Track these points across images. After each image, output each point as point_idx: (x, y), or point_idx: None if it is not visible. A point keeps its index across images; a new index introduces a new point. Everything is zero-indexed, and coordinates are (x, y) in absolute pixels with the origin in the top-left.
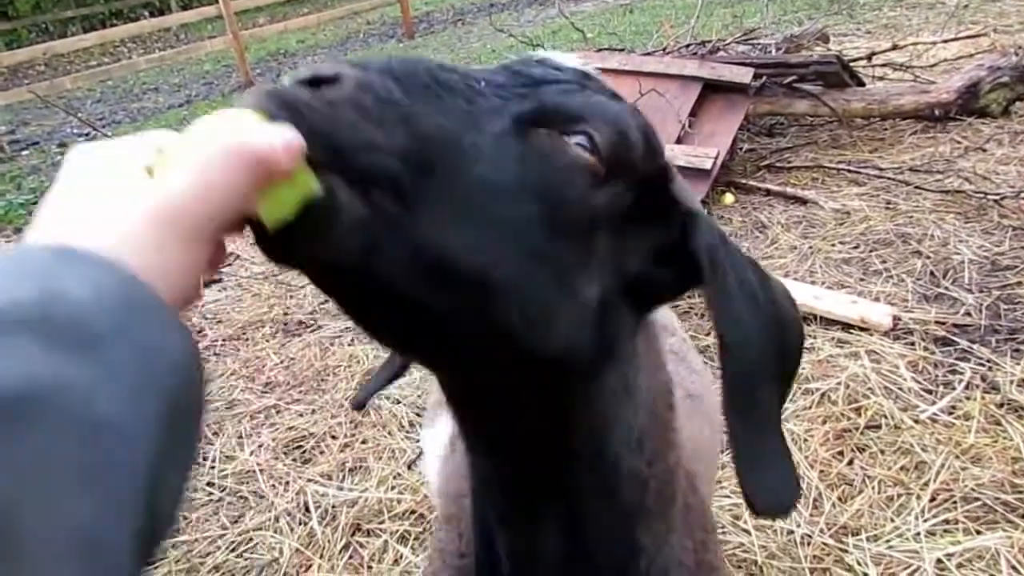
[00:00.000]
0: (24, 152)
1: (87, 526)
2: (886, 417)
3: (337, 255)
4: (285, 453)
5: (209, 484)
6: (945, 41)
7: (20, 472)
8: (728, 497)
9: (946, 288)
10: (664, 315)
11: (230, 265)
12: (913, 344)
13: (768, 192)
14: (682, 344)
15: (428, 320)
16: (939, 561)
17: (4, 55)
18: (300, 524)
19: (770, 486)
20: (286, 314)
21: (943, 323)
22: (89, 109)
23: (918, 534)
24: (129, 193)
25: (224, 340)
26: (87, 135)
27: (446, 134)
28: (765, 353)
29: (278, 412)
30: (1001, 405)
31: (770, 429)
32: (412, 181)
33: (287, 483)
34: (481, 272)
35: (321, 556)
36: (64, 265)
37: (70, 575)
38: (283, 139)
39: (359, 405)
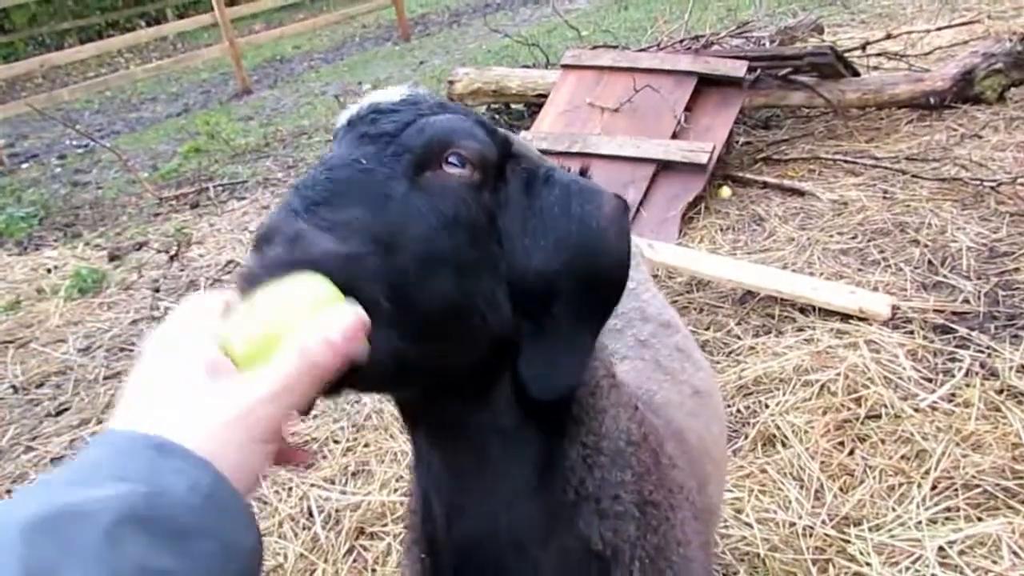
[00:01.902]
0: (24, 165)
1: None
2: (886, 406)
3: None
4: (313, 460)
5: None
6: (939, 29)
7: None
8: (730, 491)
9: (944, 276)
10: (668, 313)
11: (230, 273)
12: (912, 333)
13: (765, 184)
14: (686, 341)
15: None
16: (941, 548)
17: (2, 68)
18: (304, 529)
19: (546, 377)
20: None
21: (942, 311)
22: (87, 120)
23: (920, 522)
24: (214, 392)
25: None
26: (86, 146)
27: (383, 222)
28: (560, 271)
29: None
30: (1001, 391)
31: (561, 337)
32: (394, 278)
33: (290, 488)
34: (457, 292)
35: (325, 560)
36: (164, 460)
37: None
38: (352, 325)
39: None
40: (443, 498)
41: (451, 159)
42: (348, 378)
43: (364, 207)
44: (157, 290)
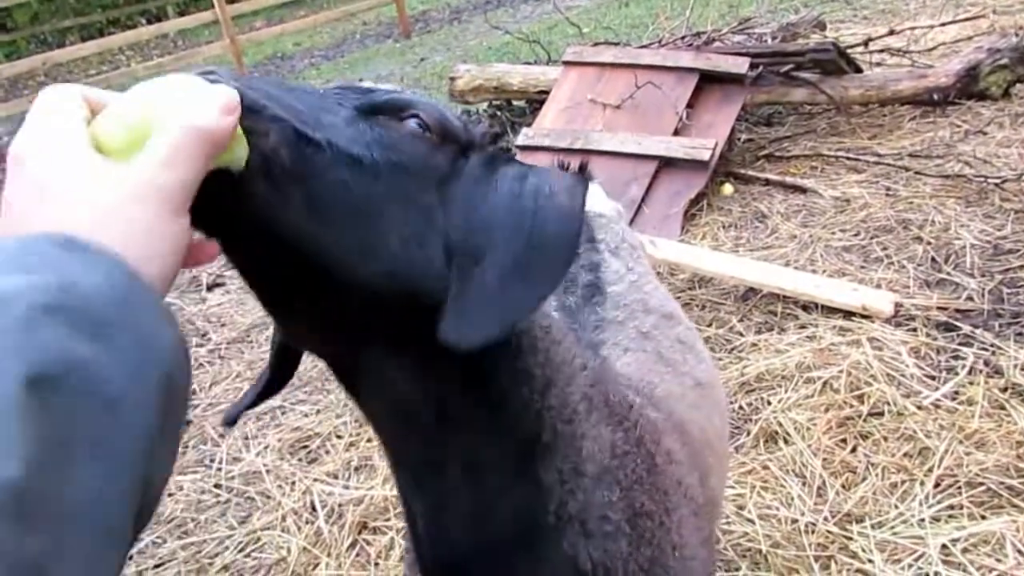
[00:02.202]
0: None
1: (96, 498)
2: (889, 404)
3: (247, 200)
4: (291, 453)
5: (216, 486)
6: (943, 24)
7: (49, 442)
8: (732, 487)
9: (948, 273)
10: (670, 305)
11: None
12: (915, 330)
13: (767, 182)
14: (689, 332)
15: (321, 267)
16: (944, 547)
17: (4, 67)
18: (307, 523)
19: (461, 325)
20: None
21: (945, 308)
22: None
23: (923, 520)
24: (101, 174)
25: (228, 343)
26: None
27: (317, 115)
28: (502, 225)
29: (283, 413)
30: (1005, 389)
31: (487, 287)
32: (301, 147)
33: (293, 483)
34: (366, 213)
35: (328, 554)
36: (70, 255)
37: (81, 543)
38: (227, 99)
39: (230, 422)
40: (424, 518)
41: (410, 120)
42: (228, 200)
43: (300, 103)
44: None
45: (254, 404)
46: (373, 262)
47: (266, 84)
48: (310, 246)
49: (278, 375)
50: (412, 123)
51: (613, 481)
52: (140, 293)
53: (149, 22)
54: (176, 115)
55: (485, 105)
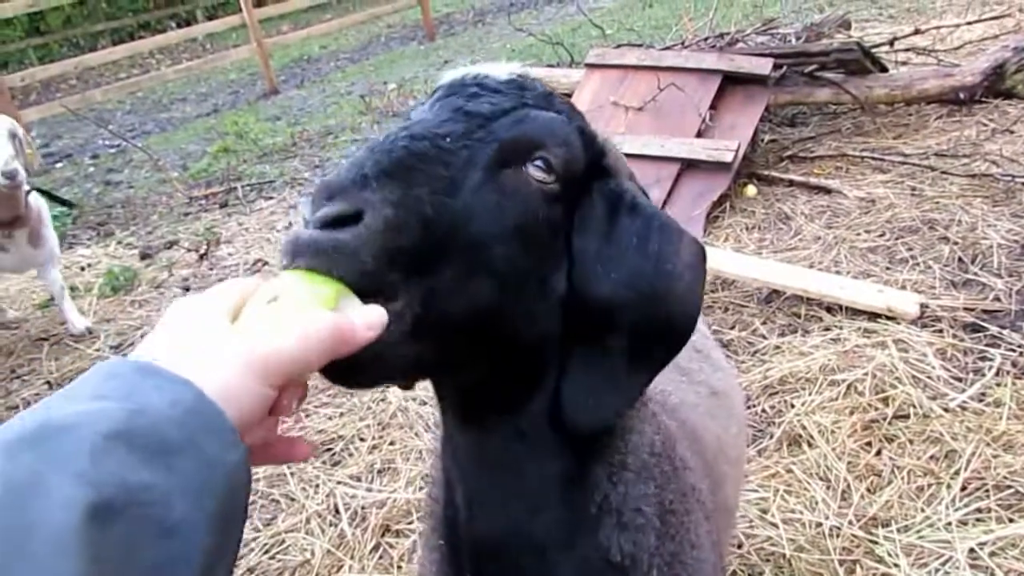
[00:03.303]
0: (58, 165)
1: None
2: (915, 406)
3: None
4: (315, 456)
5: None
6: (969, 23)
7: (106, 566)
8: (755, 491)
9: (975, 274)
10: None
11: (258, 272)
12: (941, 331)
13: (791, 183)
14: (705, 341)
15: (469, 352)
16: (972, 550)
17: (37, 70)
18: (331, 525)
19: (586, 409)
20: None
21: (972, 309)
22: (120, 120)
23: (949, 524)
24: (221, 335)
25: None
26: (118, 146)
27: (444, 212)
28: (625, 306)
29: (307, 415)
30: None
31: (611, 372)
32: (435, 268)
33: (317, 485)
34: (495, 305)
35: (352, 557)
36: (145, 379)
37: None
38: (374, 322)
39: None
40: (466, 488)
41: (537, 161)
42: (351, 367)
43: (432, 190)
44: (187, 289)
45: None
46: (531, 327)
47: (393, 169)
48: (453, 357)
49: None
50: (538, 173)
51: (649, 476)
52: (208, 417)
53: (179, 26)
54: (320, 314)
55: None
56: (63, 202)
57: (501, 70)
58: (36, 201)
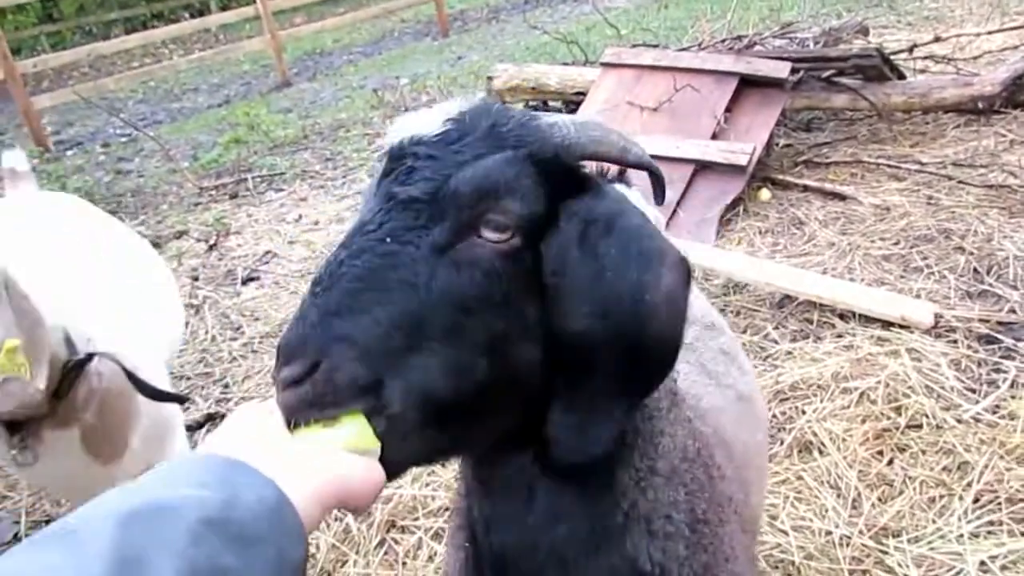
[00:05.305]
0: (69, 152)
1: None
2: (927, 416)
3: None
4: None
5: None
6: (989, 32)
7: None
8: (765, 497)
9: (990, 284)
10: (712, 315)
11: (267, 263)
12: (956, 342)
13: (806, 188)
14: (731, 343)
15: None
16: (983, 563)
17: (50, 57)
18: (336, 520)
19: (573, 442)
20: None
21: (987, 320)
22: (131, 109)
23: (961, 536)
24: (296, 448)
25: (262, 337)
26: (129, 135)
27: (404, 316)
28: (603, 340)
29: None
30: None
31: (594, 403)
32: (413, 363)
33: None
34: (483, 368)
35: (356, 552)
36: (238, 475)
37: None
38: (381, 481)
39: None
40: (480, 505)
41: (488, 224)
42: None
43: (384, 306)
44: (196, 279)
45: None
46: (527, 374)
47: (346, 292)
48: (461, 421)
49: None
50: (492, 234)
51: (680, 483)
52: (286, 516)
53: (192, 16)
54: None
55: (521, 105)
56: (174, 398)
57: (434, 119)
58: (107, 380)
